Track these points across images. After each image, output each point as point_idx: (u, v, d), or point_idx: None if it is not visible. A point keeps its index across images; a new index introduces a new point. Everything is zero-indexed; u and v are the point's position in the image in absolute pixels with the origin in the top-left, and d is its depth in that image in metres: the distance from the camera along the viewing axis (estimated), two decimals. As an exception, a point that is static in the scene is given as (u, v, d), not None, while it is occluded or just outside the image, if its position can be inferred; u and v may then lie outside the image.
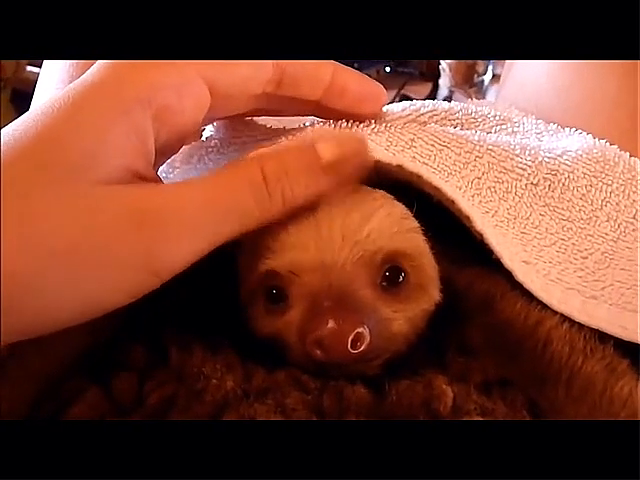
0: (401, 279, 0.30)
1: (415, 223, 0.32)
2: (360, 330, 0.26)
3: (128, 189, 0.26)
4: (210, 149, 0.42)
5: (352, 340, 0.26)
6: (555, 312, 0.31)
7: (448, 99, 1.21)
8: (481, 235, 0.32)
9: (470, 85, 1.15)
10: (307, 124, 0.38)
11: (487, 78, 1.15)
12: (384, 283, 0.30)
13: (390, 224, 0.30)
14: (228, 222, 0.27)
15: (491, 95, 1.12)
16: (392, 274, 0.30)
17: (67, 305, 0.25)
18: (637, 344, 0.30)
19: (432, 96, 1.29)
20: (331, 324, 0.26)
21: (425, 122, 0.40)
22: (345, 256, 0.29)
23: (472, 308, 0.32)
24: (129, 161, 0.27)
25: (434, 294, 0.32)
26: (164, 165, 0.42)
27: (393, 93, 1.29)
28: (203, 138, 0.44)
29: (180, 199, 0.27)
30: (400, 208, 0.32)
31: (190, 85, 0.29)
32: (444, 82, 1.21)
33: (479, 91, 1.15)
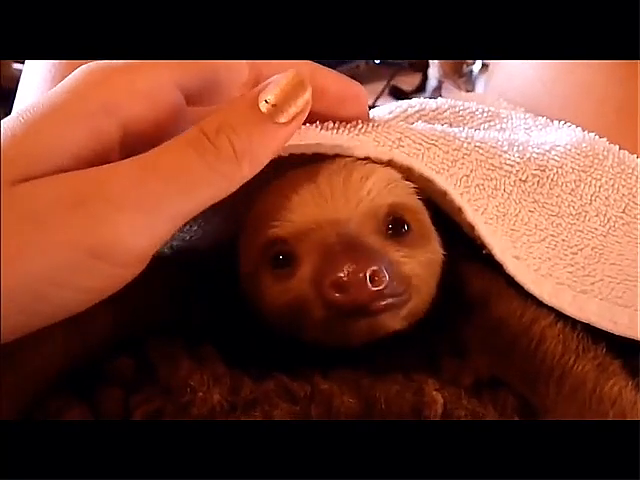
0: (405, 230, 0.31)
1: (411, 185, 0.33)
2: (376, 267, 0.26)
3: (65, 175, 0.25)
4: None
5: (370, 276, 0.26)
6: (550, 312, 0.31)
7: (437, 89, 1.20)
8: (473, 228, 0.32)
9: (459, 75, 1.15)
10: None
11: (476, 68, 1.15)
12: (390, 232, 0.31)
13: (389, 182, 0.31)
14: (174, 188, 0.25)
15: (480, 84, 1.11)
16: (396, 225, 0.31)
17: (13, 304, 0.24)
18: (627, 343, 0.30)
19: (421, 87, 1.29)
20: (347, 264, 0.26)
21: (413, 122, 0.39)
22: (350, 211, 0.29)
23: (468, 304, 0.32)
24: (83, 165, 0.26)
25: (437, 246, 0.33)
26: None
27: (382, 84, 1.29)
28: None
29: (116, 173, 0.25)
30: (395, 172, 0.32)
31: (163, 93, 0.28)
32: (433, 73, 1.21)
33: (468, 81, 1.15)
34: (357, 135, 0.35)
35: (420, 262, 0.31)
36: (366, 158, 0.32)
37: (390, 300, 0.28)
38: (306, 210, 0.30)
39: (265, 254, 0.31)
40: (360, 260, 0.27)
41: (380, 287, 0.27)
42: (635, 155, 0.38)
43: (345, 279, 0.26)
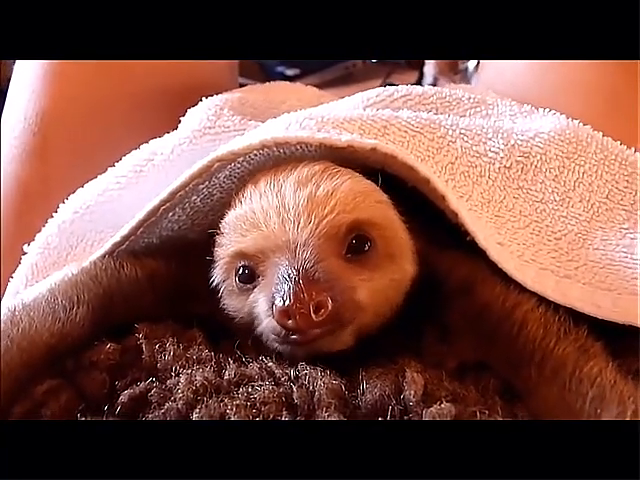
0: (367, 247, 0.31)
1: (384, 196, 0.32)
2: (321, 298, 0.27)
3: None
4: (183, 140, 0.41)
5: (315, 307, 0.27)
6: (532, 296, 0.31)
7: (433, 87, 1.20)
8: (456, 215, 0.32)
9: (455, 72, 1.15)
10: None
11: (471, 65, 1.15)
12: (349, 254, 0.31)
13: (355, 196, 0.31)
14: None
15: (475, 81, 1.11)
16: (358, 243, 0.31)
17: None
18: (610, 326, 0.31)
19: (418, 84, 1.29)
20: (294, 294, 0.27)
21: (399, 107, 0.39)
22: (309, 233, 0.30)
23: (452, 291, 0.33)
24: None
25: (405, 266, 0.32)
26: (147, 153, 0.42)
27: (379, 82, 1.29)
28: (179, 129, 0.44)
29: None
30: (366, 182, 0.32)
31: None
32: (429, 70, 1.21)
33: (464, 78, 1.15)
34: (342, 124, 0.35)
35: (378, 284, 0.31)
36: (349, 147, 0.32)
37: (318, 330, 0.28)
38: (269, 228, 0.30)
39: (232, 265, 0.32)
40: (308, 289, 0.28)
41: (324, 317, 0.28)
42: (619, 142, 0.38)
43: (292, 308, 0.27)
